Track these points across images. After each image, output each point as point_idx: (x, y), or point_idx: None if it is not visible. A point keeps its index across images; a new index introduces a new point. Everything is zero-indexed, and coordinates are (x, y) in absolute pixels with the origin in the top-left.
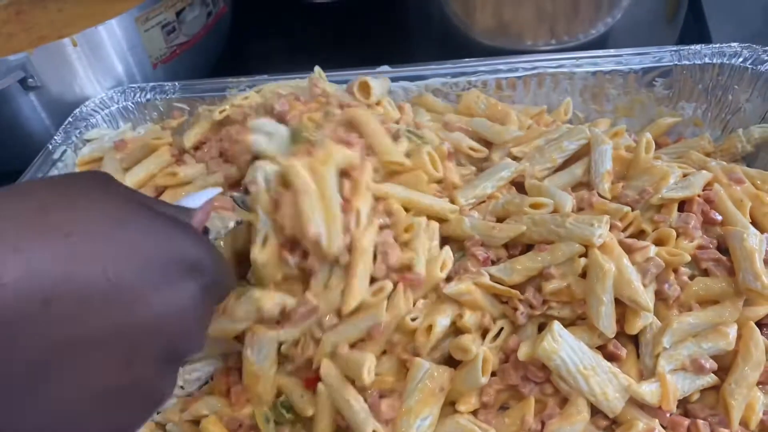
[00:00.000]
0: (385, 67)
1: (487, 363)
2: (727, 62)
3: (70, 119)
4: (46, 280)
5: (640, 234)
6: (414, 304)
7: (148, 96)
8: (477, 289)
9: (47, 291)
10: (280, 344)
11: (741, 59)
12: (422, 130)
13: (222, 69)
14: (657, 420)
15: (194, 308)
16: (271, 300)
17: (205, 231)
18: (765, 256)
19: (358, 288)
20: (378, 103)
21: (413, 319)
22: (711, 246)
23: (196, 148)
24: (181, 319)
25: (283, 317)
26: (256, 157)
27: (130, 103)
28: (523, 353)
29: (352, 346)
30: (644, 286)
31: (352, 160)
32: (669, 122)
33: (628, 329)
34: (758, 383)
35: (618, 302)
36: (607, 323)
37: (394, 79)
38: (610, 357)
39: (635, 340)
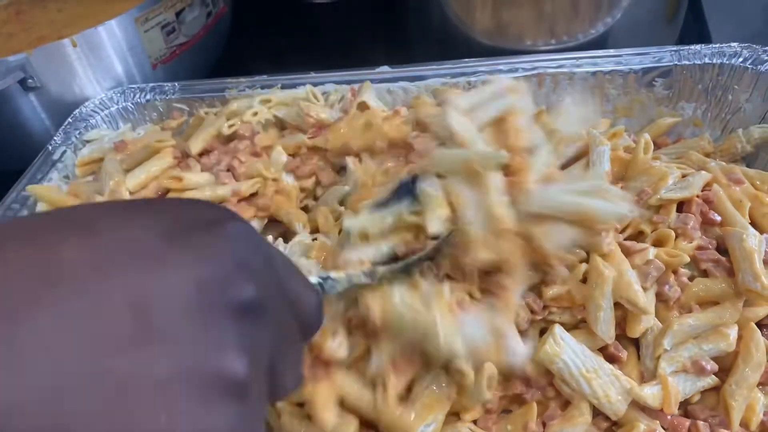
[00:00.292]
0: (385, 68)
1: (492, 380)
2: (727, 62)
3: (69, 120)
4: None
5: (639, 235)
6: None
7: (148, 96)
8: None
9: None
10: None
11: (741, 59)
12: None
13: (222, 69)
14: (658, 421)
15: None
16: None
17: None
18: (764, 257)
19: None
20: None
21: None
22: (710, 247)
23: (200, 153)
24: None
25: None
26: None
27: (129, 104)
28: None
29: None
30: (645, 289)
31: None
32: (669, 122)
33: (629, 332)
34: (759, 384)
35: (619, 305)
36: (606, 329)
37: (393, 80)
38: (611, 359)
39: (636, 342)
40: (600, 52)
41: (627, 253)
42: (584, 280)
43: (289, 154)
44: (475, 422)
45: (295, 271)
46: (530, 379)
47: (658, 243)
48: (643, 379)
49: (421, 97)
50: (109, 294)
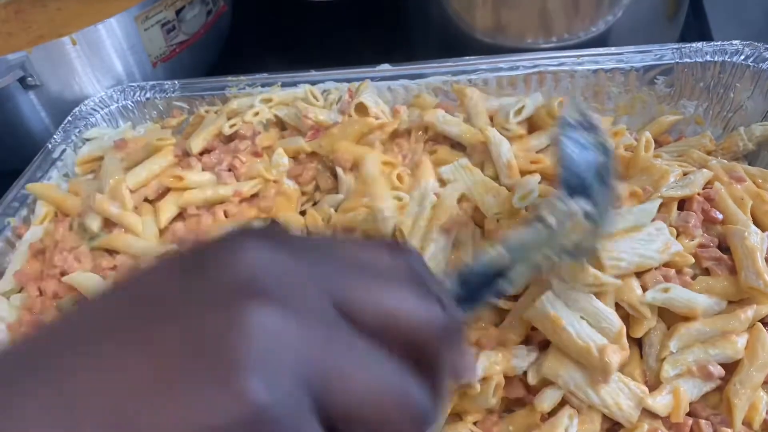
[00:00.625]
0: (386, 66)
1: (499, 388)
2: (729, 60)
3: (69, 118)
4: None
5: None
6: None
7: (148, 95)
8: None
9: None
10: None
11: (742, 57)
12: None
13: (222, 67)
14: (660, 420)
15: None
16: None
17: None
18: (766, 255)
19: None
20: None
21: None
22: (712, 245)
23: (201, 152)
24: None
25: None
26: None
27: (129, 102)
28: (531, 378)
29: None
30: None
31: None
32: (670, 120)
33: (632, 333)
34: (763, 383)
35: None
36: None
37: (394, 78)
38: None
39: (639, 340)
40: (601, 50)
41: None
42: None
43: (290, 157)
44: (475, 423)
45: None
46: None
47: None
48: (645, 378)
49: (421, 96)
50: None
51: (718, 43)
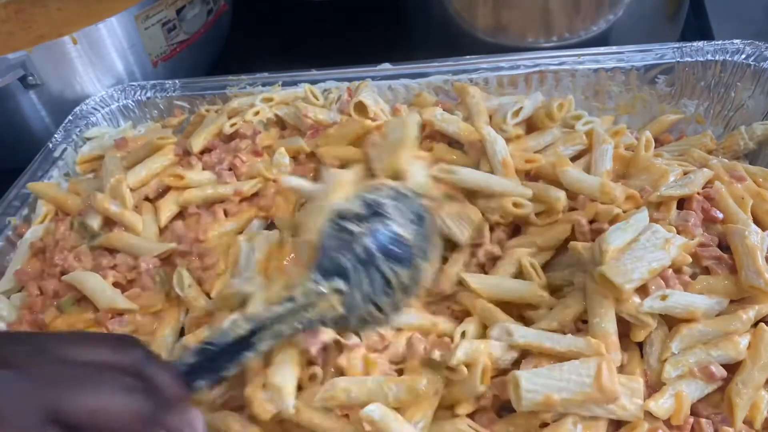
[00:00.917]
0: (386, 65)
1: (487, 373)
2: (730, 59)
3: (70, 117)
4: None
5: None
6: None
7: (149, 94)
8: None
9: None
10: None
11: (743, 56)
12: None
13: (222, 67)
14: (661, 420)
15: None
16: None
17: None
18: (767, 254)
19: None
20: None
21: None
22: (712, 244)
23: (201, 151)
24: None
25: None
26: None
27: (130, 101)
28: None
29: None
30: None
31: None
32: (671, 119)
33: (633, 338)
34: (765, 383)
35: None
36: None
37: (395, 77)
38: None
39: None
40: (602, 49)
41: None
42: None
43: (290, 157)
44: (472, 418)
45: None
46: None
47: None
48: (646, 378)
49: (422, 95)
50: None
51: (719, 42)
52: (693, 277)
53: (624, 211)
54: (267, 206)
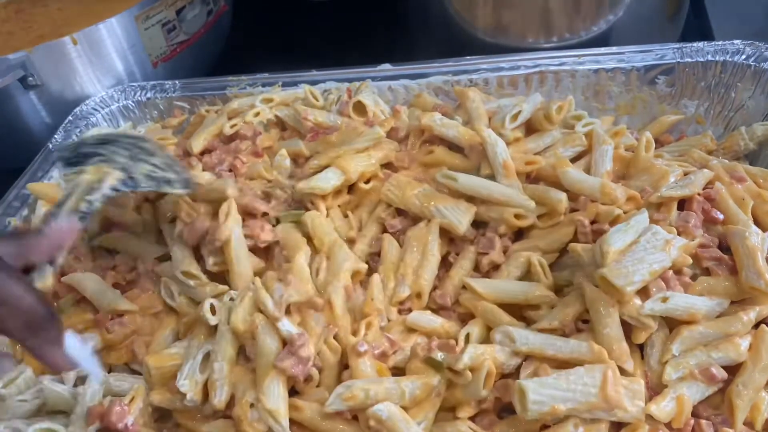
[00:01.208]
0: (387, 66)
1: (490, 377)
2: (730, 59)
3: (70, 118)
4: None
5: None
6: None
7: (149, 95)
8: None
9: None
10: None
11: (744, 56)
12: None
13: (222, 67)
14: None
15: None
16: None
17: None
18: (767, 255)
19: None
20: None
21: None
22: (712, 245)
23: (202, 152)
24: None
25: None
26: None
27: (130, 102)
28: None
29: None
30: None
31: None
32: (671, 120)
33: (634, 340)
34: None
35: None
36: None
37: (395, 77)
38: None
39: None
40: (602, 50)
41: None
42: None
43: (290, 159)
44: (473, 420)
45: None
46: None
47: None
48: (647, 380)
49: (422, 95)
50: None
51: (720, 42)
52: (693, 278)
53: (625, 212)
54: None
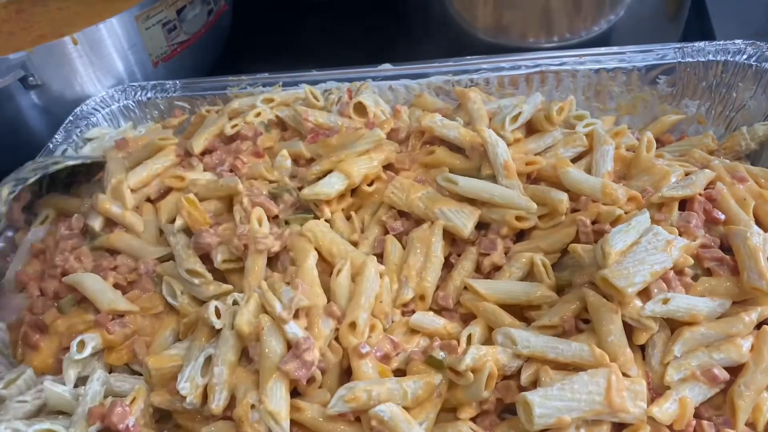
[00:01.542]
0: (387, 65)
1: (492, 379)
2: (731, 59)
3: (70, 118)
4: None
5: None
6: None
7: (149, 94)
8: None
9: None
10: None
11: (745, 56)
12: None
13: (223, 67)
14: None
15: None
16: None
17: None
18: None
19: None
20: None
21: None
22: (713, 245)
23: (202, 152)
24: None
25: None
26: None
27: (130, 102)
28: (524, 380)
29: None
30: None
31: None
32: (672, 120)
33: (635, 341)
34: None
35: None
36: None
37: (395, 77)
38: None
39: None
40: (603, 50)
41: None
42: None
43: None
44: (474, 421)
45: None
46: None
47: None
48: (648, 380)
49: (423, 95)
50: None
51: (721, 42)
52: (695, 278)
53: (626, 212)
54: None
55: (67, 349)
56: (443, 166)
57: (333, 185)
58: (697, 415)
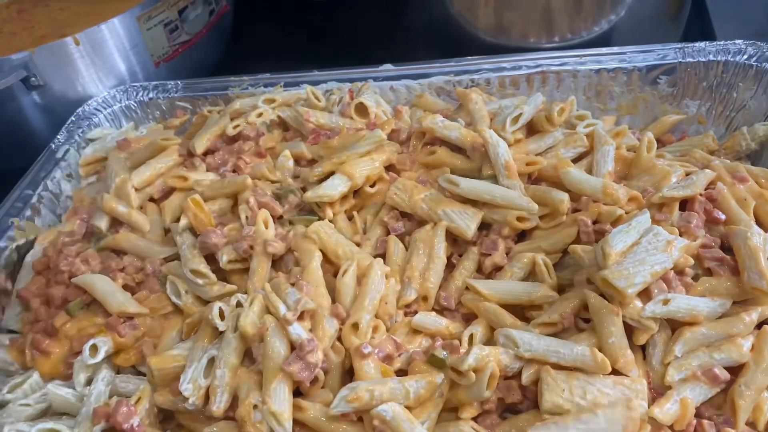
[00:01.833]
0: (388, 66)
1: (494, 379)
2: (732, 59)
3: (72, 118)
4: None
5: None
6: None
7: (151, 95)
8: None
9: None
10: None
11: (745, 56)
12: None
13: (224, 67)
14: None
15: None
16: None
17: None
18: None
19: None
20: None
21: None
22: (714, 245)
23: (205, 153)
24: None
25: None
26: None
27: (132, 102)
28: (525, 379)
29: None
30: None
31: None
32: (673, 120)
33: (635, 341)
34: None
35: None
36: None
37: (396, 78)
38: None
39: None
40: (603, 50)
41: None
42: None
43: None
44: (476, 420)
45: None
46: (526, 391)
47: None
48: (649, 380)
49: (423, 95)
50: None
51: (721, 42)
52: (695, 278)
53: (626, 212)
54: None
55: (77, 353)
56: (444, 166)
57: (336, 187)
58: (698, 415)
